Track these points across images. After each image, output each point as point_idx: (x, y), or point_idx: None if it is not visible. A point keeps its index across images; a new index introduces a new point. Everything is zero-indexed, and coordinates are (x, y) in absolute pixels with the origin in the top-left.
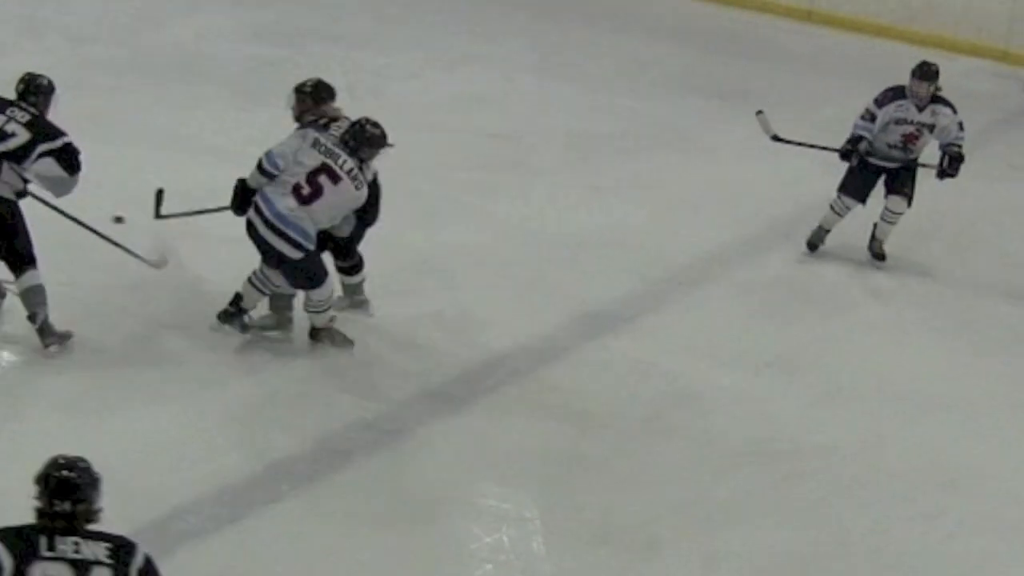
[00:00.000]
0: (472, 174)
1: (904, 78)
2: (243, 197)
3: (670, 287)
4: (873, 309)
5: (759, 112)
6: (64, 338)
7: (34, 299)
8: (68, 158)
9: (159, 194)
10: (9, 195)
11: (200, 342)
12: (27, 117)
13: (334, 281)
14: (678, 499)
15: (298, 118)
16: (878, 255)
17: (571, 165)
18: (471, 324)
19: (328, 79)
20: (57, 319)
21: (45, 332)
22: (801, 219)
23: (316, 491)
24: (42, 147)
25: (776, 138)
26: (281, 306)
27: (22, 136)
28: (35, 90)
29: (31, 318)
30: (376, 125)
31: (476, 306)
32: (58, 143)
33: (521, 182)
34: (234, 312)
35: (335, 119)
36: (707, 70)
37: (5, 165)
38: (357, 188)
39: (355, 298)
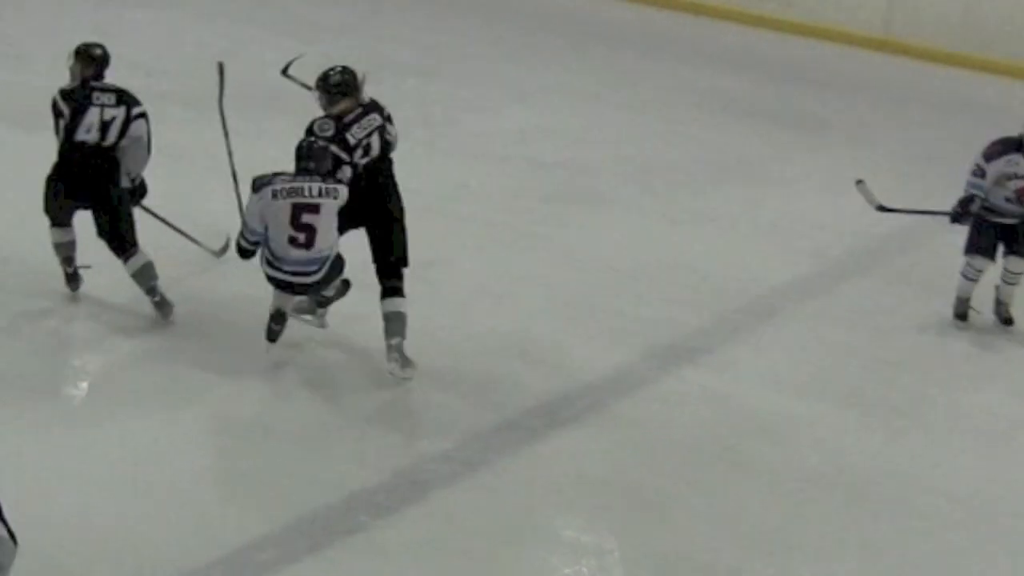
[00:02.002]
0: (544, 205)
1: (980, 108)
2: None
3: (745, 319)
4: (950, 343)
5: (859, 182)
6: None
7: (147, 275)
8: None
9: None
10: (127, 183)
11: (272, 371)
12: (112, 97)
13: None
14: (755, 532)
15: (326, 110)
16: (1006, 320)
17: (644, 196)
18: (548, 356)
19: (404, 111)
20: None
21: (163, 304)
22: (878, 250)
23: (395, 522)
24: (135, 110)
25: (882, 208)
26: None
27: (120, 115)
28: (102, 61)
29: (149, 292)
30: (309, 133)
31: (553, 338)
32: (142, 106)
33: (594, 213)
34: (279, 328)
35: (365, 109)
36: (779, 100)
37: (121, 153)
38: (337, 196)
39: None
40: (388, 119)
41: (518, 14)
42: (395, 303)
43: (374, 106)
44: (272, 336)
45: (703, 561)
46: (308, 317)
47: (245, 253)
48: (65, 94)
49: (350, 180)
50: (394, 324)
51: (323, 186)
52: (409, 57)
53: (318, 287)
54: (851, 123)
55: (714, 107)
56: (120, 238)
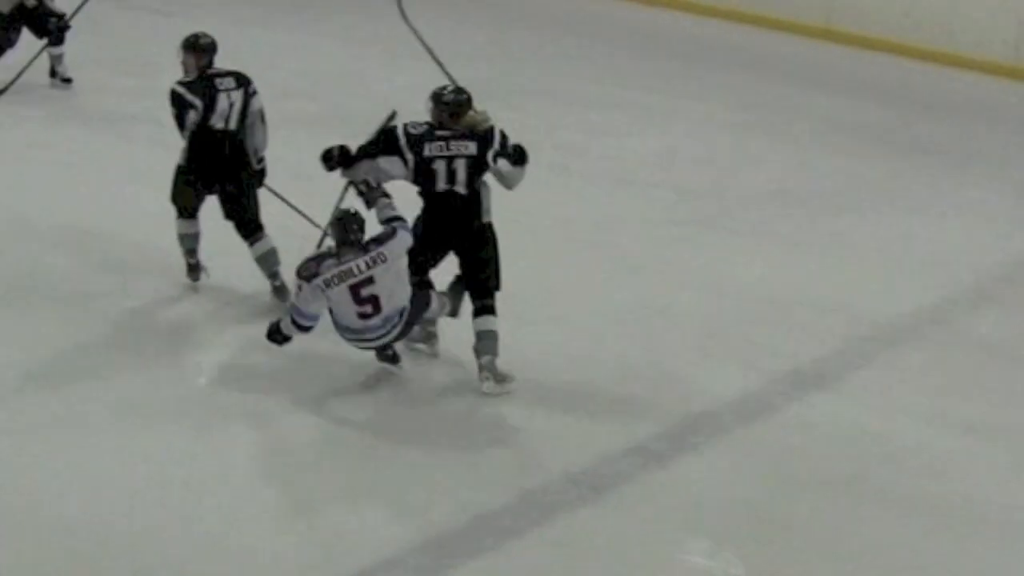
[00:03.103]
0: (674, 230)
1: None
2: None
3: (874, 346)
4: None
5: None
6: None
7: (271, 260)
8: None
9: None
10: (255, 164)
11: (404, 393)
12: (231, 80)
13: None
14: (882, 562)
15: (440, 125)
16: None
17: (772, 222)
18: (675, 380)
19: (532, 134)
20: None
21: (282, 290)
22: (1008, 279)
23: (520, 545)
24: (251, 88)
25: None
26: (425, 320)
27: (239, 97)
28: (212, 48)
29: (272, 276)
30: (341, 212)
31: (680, 362)
32: (253, 83)
33: (722, 239)
34: (392, 354)
35: (463, 134)
36: (907, 127)
37: (247, 130)
38: (386, 259)
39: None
40: (497, 155)
41: (647, 40)
42: (487, 321)
43: (476, 138)
44: (380, 358)
45: None
46: (421, 346)
47: (292, 334)
48: (189, 86)
49: (436, 202)
50: (486, 342)
51: (369, 257)
52: (538, 81)
53: (405, 333)
54: (984, 151)
55: (849, 135)
56: (249, 222)
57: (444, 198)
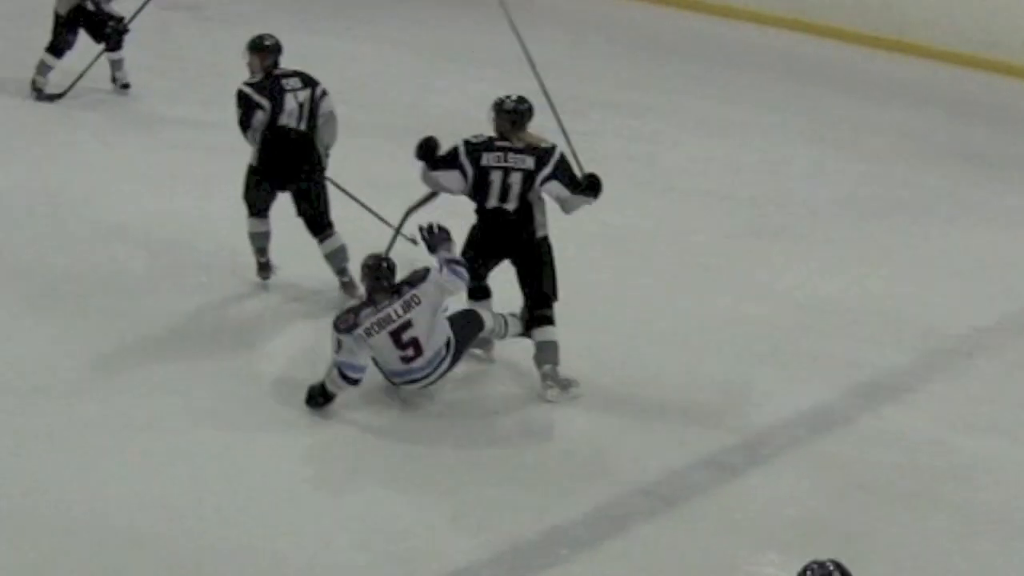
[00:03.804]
0: (742, 241)
1: None
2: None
3: (944, 358)
4: None
5: None
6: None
7: (340, 257)
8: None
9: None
10: (326, 162)
11: (470, 403)
12: (298, 80)
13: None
14: (947, 574)
15: (501, 135)
16: None
17: (842, 233)
18: (748, 393)
19: (603, 146)
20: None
21: (350, 286)
22: None
23: (594, 557)
24: (319, 89)
25: None
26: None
27: (307, 96)
28: (277, 49)
29: (340, 272)
30: (371, 259)
31: (750, 374)
32: (322, 83)
33: (792, 250)
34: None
35: (522, 150)
36: (977, 139)
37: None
38: (420, 301)
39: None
40: (549, 177)
41: (713, 50)
42: (546, 332)
43: (536, 153)
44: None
45: None
46: (477, 351)
47: (338, 391)
48: (256, 86)
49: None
50: (546, 352)
51: (403, 301)
52: (609, 92)
53: (458, 361)
54: None
55: (919, 146)
56: (320, 219)
57: (494, 215)
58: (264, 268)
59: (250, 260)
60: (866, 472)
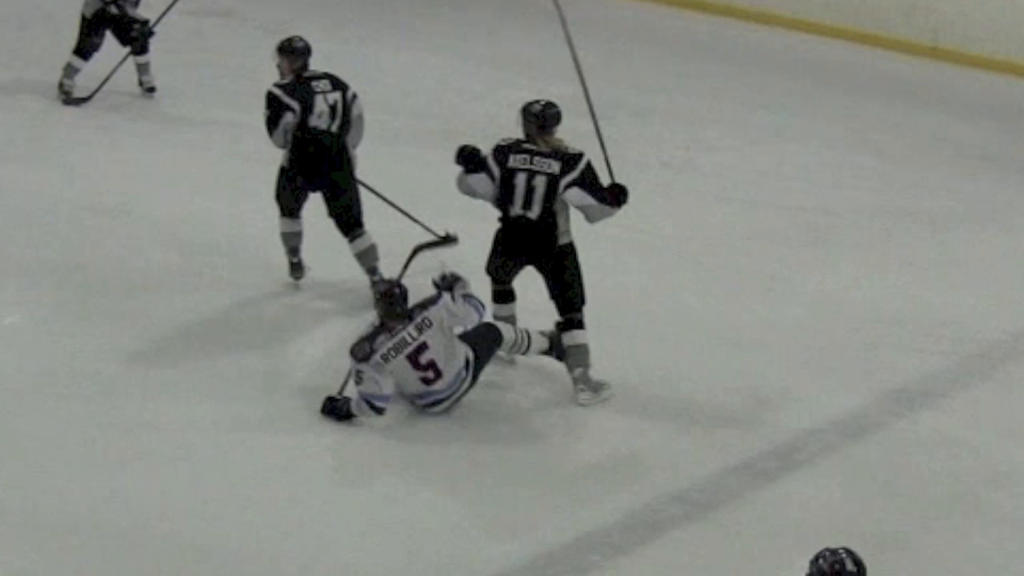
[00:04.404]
0: (782, 248)
1: None
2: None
3: (982, 364)
4: None
5: None
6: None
7: (371, 256)
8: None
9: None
10: (357, 163)
11: (503, 407)
12: (327, 83)
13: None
14: None
15: (528, 138)
16: None
17: (881, 241)
18: (782, 398)
19: (642, 151)
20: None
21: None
22: None
23: (627, 563)
24: (350, 92)
25: None
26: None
27: (339, 98)
28: (306, 52)
29: (371, 272)
30: (384, 285)
31: (787, 380)
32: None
33: (831, 257)
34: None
35: (548, 154)
36: (1016, 145)
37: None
38: (431, 324)
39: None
40: (573, 183)
41: (751, 56)
42: (575, 336)
43: (562, 157)
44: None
45: None
46: (500, 352)
47: (365, 417)
48: (285, 88)
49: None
50: (577, 356)
51: (416, 324)
52: (649, 98)
53: (478, 376)
54: None
55: (956, 153)
56: (351, 219)
57: (517, 222)
58: (296, 268)
59: (283, 260)
60: (901, 478)
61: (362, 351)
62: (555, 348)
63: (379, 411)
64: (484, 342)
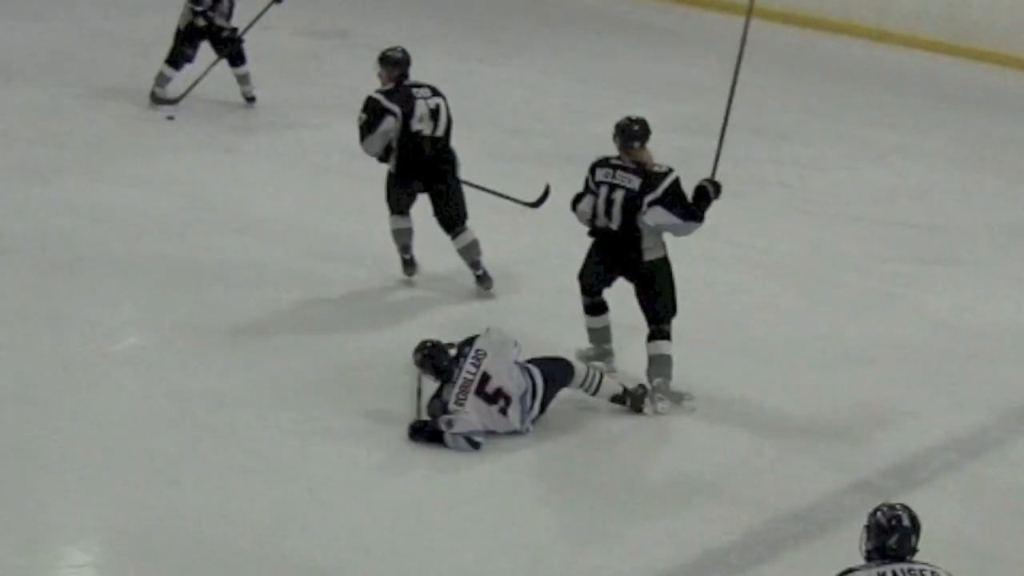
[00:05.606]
0: (900, 266)
1: None
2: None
3: None
4: None
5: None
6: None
7: (473, 251)
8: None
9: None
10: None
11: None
12: (427, 90)
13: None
14: None
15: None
16: None
17: (1000, 257)
18: (903, 416)
19: (758, 170)
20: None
21: (484, 279)
22: None
23: None
24: (447, 101)
25: None
26: (598, 339)
27: (440, 103)
28: (406, 62)
29: (473, 265)
30: (418, 351)
31: (906, 398)
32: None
33: (950, 274)
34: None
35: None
36: None
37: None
38: (486, 353)
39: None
40: (656, 201)
41: (864, 73)
42: (660, 346)
43: (646, 174)
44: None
45: None
46: (598, 364)
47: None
48: (387, 94)
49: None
50: (659, 366)
51: (472, 361)
52: (764, 117)
53: (548, 402)
54: None
55: None
56: (454, 216)
57: (602, 233)
58: (408, 265)
59: (395, 257)
60: (1020, 497)
61: (438, 408)
62: (632, 402)
63: (476, 445)
64: (555, 372)
